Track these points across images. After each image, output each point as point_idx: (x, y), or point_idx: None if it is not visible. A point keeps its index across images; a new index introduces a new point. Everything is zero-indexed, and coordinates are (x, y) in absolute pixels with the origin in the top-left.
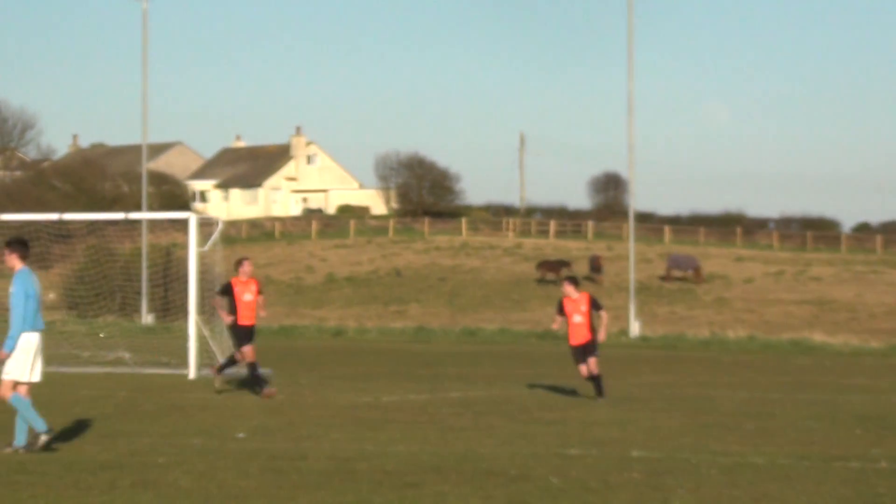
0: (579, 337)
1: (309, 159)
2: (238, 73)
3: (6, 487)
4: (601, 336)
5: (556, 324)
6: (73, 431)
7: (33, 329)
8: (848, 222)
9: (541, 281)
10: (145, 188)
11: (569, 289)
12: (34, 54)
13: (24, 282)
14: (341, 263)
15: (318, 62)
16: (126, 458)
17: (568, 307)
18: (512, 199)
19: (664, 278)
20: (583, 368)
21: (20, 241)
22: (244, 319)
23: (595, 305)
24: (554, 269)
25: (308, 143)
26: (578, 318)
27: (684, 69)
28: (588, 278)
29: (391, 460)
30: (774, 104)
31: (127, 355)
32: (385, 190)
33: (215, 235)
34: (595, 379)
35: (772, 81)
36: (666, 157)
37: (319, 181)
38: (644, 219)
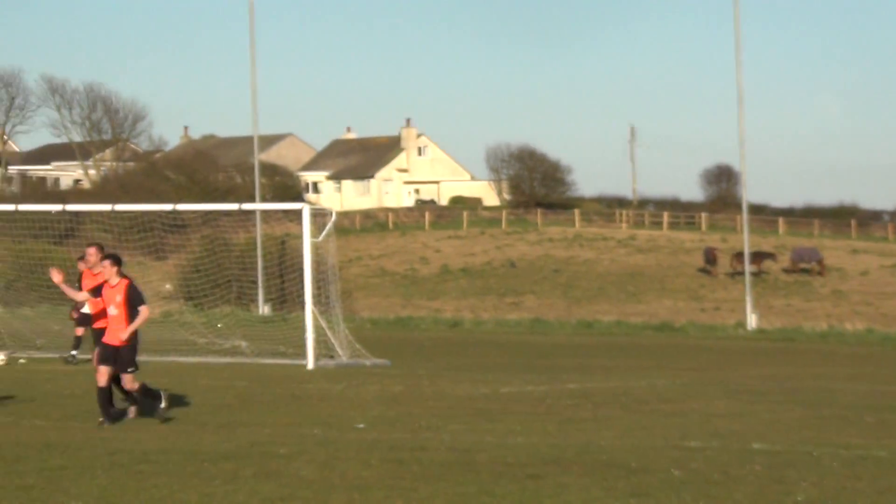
0: (112, 336)
1: (420, 151)
2: (348, 64)
3: (130, 477)
4: (123, 336)
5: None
6: (193, 421)
7: None
8: None
9: (733, 274)
10: (258, 179)
11: (109, 269)
12: (145, 46)
13: None
14: (455, 255)
15: (428, 54)
16: (247, 448)
17: (105, 294)
18: (623, 190)
19: (788, 270)
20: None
21: None
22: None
23: (135, 300)
24: (754, 261)
25: (418, 135)
26: (114, 311)
27: (797, 61)
28: (704, 270)
29: (511, 452)
30: (888, 95)
31: (244, 344)
32: (497, 181)
33: (329, 226)
34: (130, 395)
35: (884, 72)
36: (779, 149)
37: (431, 172)
38: (757, 211)
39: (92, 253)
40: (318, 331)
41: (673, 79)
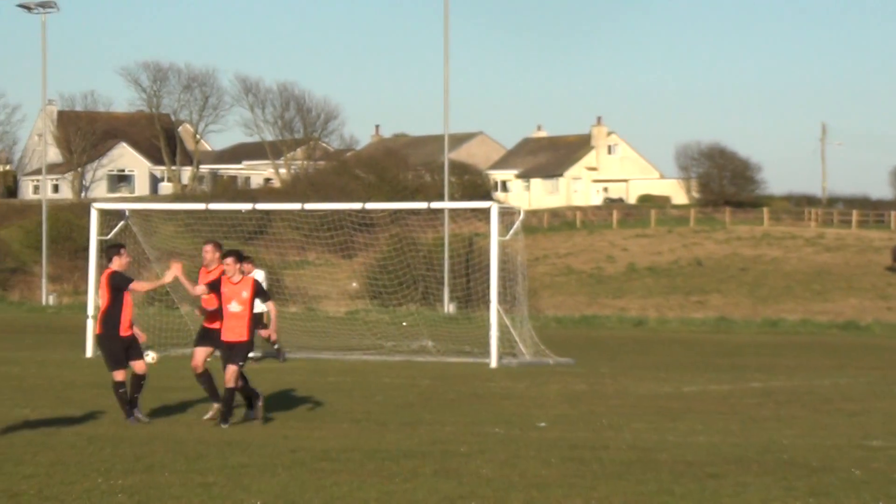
0: (232, 332)
1: (609, 149)
2: (540, 62)
3: (311, 474)
4: (271, 333)
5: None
6: (375, 419)
7: None
8: None
9: None
10: (447, 178)
11: (233, 266)
12: (338, 45)
13: None
14: (642, 253)
15: (617, 52)
16: (428, 446)
17: (225, 290)
18: (813, 188)
19: None
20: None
21: None
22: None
23: (263, 296)
24: None
25: (609, 133)
26: (236, 308)
27: None
28: (891, 269)
29: (692, 451)
30: None
31: (430, 343)
32: (686, 180)
33: (516, 225)
34: (230, 392)
35: None
36: None
37: (620, 171)
38: None
39: (208, 250)
40: (502, 329)
41: (865, 76)
